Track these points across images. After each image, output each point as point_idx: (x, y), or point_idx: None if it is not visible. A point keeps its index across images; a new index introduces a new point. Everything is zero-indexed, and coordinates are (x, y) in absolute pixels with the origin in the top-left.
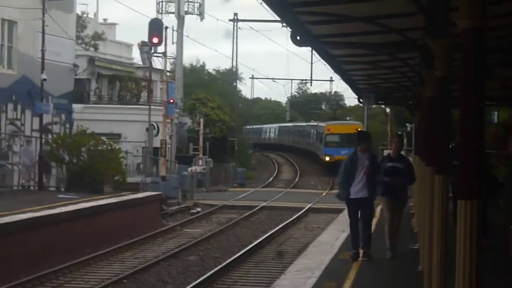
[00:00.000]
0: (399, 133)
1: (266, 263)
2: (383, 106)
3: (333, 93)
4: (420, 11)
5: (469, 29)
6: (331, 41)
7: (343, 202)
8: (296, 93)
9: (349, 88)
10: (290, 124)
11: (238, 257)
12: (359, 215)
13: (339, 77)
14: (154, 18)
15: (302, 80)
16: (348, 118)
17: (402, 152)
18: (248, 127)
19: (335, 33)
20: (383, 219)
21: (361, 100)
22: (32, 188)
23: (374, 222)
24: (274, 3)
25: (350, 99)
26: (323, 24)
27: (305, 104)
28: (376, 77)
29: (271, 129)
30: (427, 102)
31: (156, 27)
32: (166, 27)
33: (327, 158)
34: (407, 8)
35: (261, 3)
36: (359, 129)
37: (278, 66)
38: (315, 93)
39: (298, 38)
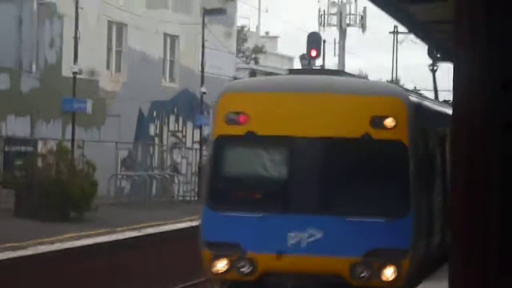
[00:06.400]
0: None
1: None
2: None
3: None
4: None
5: None
6: None
7: None
8: None
9: None
10: None
11: None
12: None
13: None
14: (313, 32)
15: None
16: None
17: None
18: None
19: None
20: None
21: None
22: (190, 199)
23: None
24: (408, 22)
25: None
26: None
27: None
28: None
29: None
30: None
31: (314, 40)
32: (324, 40)
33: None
34: None
35: None
36: None
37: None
38: None
39: (435, 54)
